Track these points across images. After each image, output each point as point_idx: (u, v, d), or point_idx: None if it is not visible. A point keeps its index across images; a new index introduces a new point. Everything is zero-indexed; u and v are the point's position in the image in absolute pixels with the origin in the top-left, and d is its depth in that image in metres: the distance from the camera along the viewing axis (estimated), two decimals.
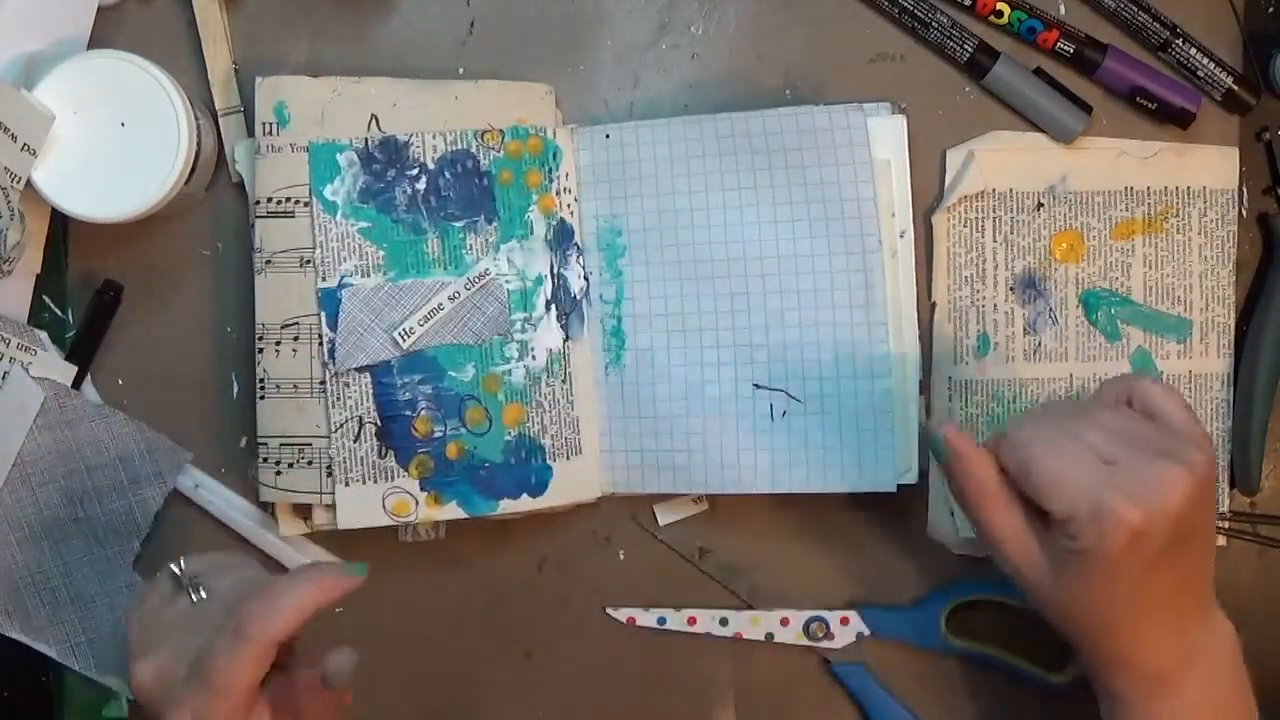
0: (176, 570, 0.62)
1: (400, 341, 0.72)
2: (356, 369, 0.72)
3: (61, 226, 0.75)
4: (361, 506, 0.72)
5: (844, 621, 0.76)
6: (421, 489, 0.72)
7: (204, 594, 0.61)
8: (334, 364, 0.71)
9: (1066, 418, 0.60)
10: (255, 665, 0.56)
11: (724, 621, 0.77)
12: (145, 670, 0.59)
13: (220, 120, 0.75)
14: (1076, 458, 0.57)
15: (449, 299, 0.72)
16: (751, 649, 0.77)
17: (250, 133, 0.74)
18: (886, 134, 0.73)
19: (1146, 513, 0.56)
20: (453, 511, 0.72)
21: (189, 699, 0.56)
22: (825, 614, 0.76)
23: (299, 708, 0.60)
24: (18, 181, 0.66)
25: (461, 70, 0.76)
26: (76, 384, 0.75)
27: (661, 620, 0.77)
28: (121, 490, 0.75)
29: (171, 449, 0.75)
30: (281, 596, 0.57)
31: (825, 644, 0.76)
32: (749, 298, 0.73)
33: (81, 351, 0.75)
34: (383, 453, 0.72)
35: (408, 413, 0.72)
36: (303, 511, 0.74)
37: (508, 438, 0.73)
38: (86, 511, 0.75)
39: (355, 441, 0.72)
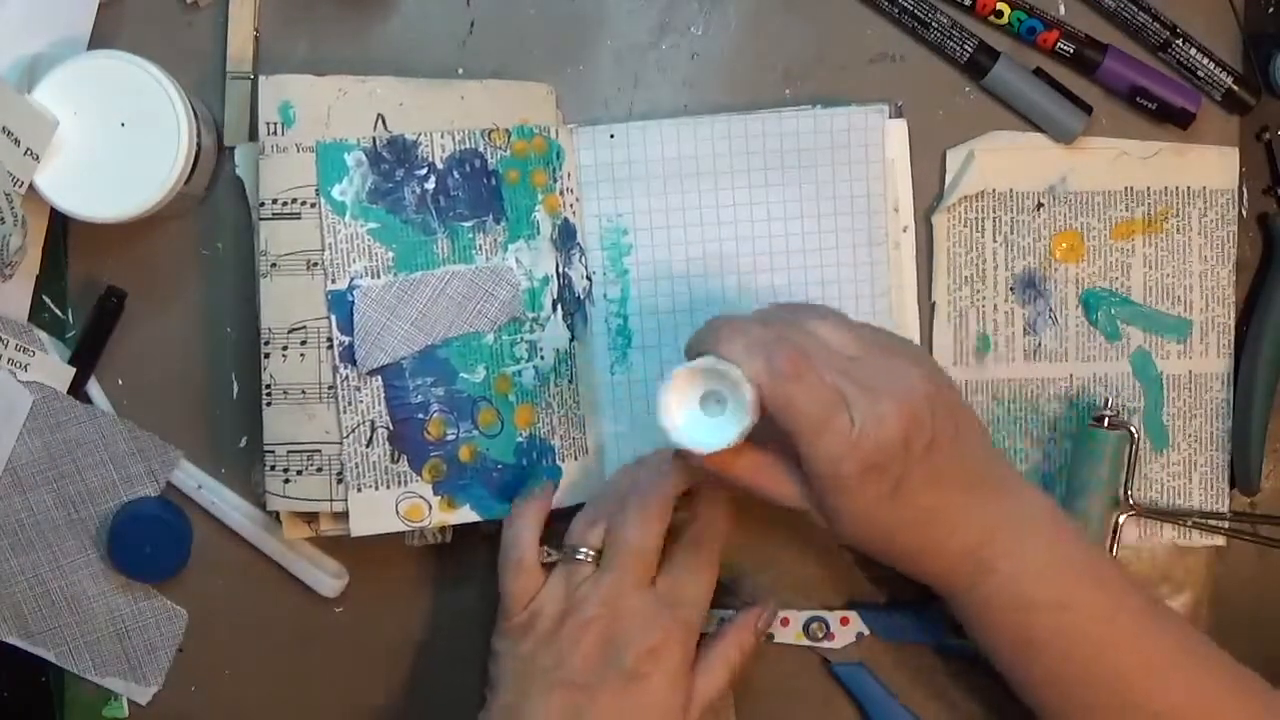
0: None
1: (423, 329, 0.71)
2: (368, 372, 0.71)
3: (61, 227, 0.74)
4: (374, 512, 0.71)
5: (844, 621, 0.76)
6: (435, 493, 0.71)
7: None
8: (355, 367, 0.70)
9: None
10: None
11: (724, 622, 0.77)
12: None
13: (227, 84, 0.74)
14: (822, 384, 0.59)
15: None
16: None
17: (254, 108, 0.73)
18: (889, 135, 0.74)
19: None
20: (466, 515, 0.72)
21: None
22: (825, 614, 0.77)
23: None
24: (20, 186, 0.66)
25: (461, 70, 0.75)
26: (78, 389, 0.74)
27: None
28: (114, 491, 0.75)
29: (161, 447, 0.75)
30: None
31: (825, 644, 0.77)
32: (756, 295, 0.73)
33: (84, 358, 0.75)
34: (395, 457, 0.71)
35: (420, 415, 0.71)
36: (308, 515, 0.73)
37: (519, 439, 0.72)
38: (80, 513, 0.74)
39: (367, 446, 0.71)
